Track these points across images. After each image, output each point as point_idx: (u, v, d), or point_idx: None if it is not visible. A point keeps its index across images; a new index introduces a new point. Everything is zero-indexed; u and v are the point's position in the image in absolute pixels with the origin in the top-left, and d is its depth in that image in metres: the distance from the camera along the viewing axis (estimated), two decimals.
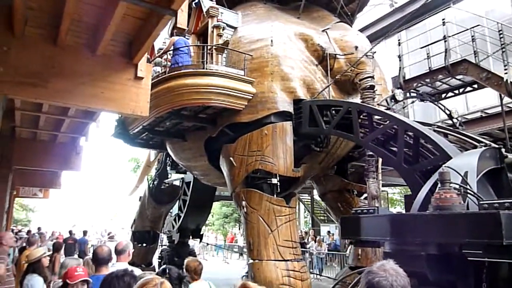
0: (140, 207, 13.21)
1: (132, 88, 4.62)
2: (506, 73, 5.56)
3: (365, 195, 8.71)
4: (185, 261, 4.51)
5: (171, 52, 7.67)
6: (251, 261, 6.94)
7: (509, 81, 5.41)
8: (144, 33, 4.18)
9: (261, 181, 7.18)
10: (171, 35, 9.18)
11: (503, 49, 5.78)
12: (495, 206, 3.19)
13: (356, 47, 7.58)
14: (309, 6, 8.82)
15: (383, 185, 17.24)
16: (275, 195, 7.08)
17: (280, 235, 6.83)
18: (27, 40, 4.03)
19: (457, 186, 3.52)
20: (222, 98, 7.08)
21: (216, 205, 30.73)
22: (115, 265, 4.10)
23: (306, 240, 18.32)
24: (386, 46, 12.47)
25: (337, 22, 8.46)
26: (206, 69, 7.13)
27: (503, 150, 5.29)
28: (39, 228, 17.75)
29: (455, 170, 3.77)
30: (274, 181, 7.06)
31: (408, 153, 5.67)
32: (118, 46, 4.52)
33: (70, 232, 16.79)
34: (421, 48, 7.10)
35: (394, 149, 5.89)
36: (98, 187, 44.12)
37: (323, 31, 7.94)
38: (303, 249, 15.56)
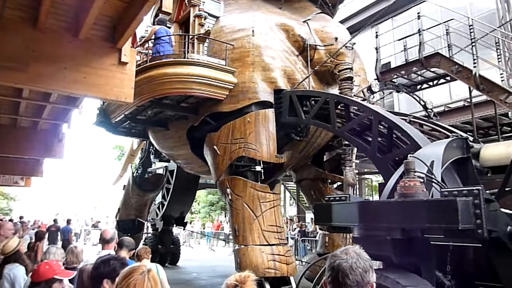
0: (124, 195, 13.20)
1: (116, 74, 4.52)
2: (475, 66, 5.79)
3: (338, 183, 8.95)
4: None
5: (152, 40, 7.67)
6: (237, 247, 7.04)
7: (477, 74, 5.65)
8: (128, 17, 4.09)
9: (245, 169, 7.28)
10: (153, 23, 9.15)
11: (473, 44, 6.01)
12: (454, 193, 3.40)
13: (336, 38, 7.71)
14: None
15: (368, 173, 17.56)
16: (259, 182, 7.18)
17: (265, 220, 6.93)
18: (5, 22, 3.90)
19: (422, 175, 3.72)
20: (204, 88, 7.15)
21: (202, 193, 30.87)
22: (101, 253, 4.02)
23: (290, 227, 18.55)
24: (373, 34, 12.56)
25: (318, 13, 8.56)
26: (188, 58, 7.17)
27: (470, 139, 5.54)
28: (21, 217, 17.60)
29: (421, 160, 3.97)
30: (258, 168, 7.17)
31: (383, 143, 5.88)
32: (101, 30, 4.41)
33: (55, 220, 16.73)
34: (399, 40, 7.28)
35: (370, 139, 6.08)
36: (81, 175, 43.60)
37: (304, 22, 8.05)
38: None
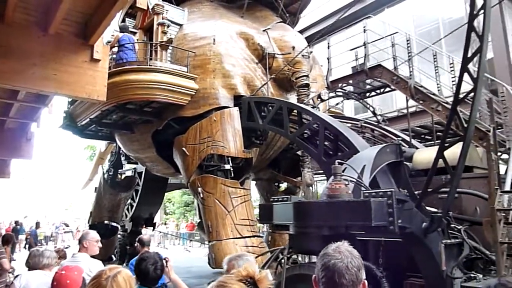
0: (96, 197, 13.11)
1: (88, 71, 4.38)
2: (410, 78, 6.38)
3: (286, 185, 9.37)
4: None
5: (116, 47, 7.91)
6: (211, 243, 7.21)
7: (412, 86, 6.23)
8: (100, 13, 4.01)
9: (215, 168, 7.51)
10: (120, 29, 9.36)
11: (409, 57, 6.60)
12: (372, 195, 3.87)
13: (293, 47, 8.14)
14: (253, 5, 9.27)
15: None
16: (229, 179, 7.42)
17: (237, 214, 7.13)
18: None
19: (349, 178, 4.18)
20: (166, 94, 7.45)
21: (177, 194, 30.88)
22: (76, 256, 4.06)
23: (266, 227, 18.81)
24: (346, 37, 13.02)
25: (278, 22, 8.99)
26: (150, 65, 7.46)
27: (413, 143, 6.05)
28: None
29: (350, 166, 4.44)
30: (227, 166, 7.46)
31: (330, 147, 6.36)
32: (72, 25, 4.28)
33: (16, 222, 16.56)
34: (351, 50, 7.80)
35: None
36: (51, 176, 42.42)
37: (264, 31, 8.46)
38: None
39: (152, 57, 7.81)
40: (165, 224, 28.50)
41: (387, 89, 7.40)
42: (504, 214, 3.74)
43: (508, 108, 5.96)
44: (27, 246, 16.66)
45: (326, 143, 6.30)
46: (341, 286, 1.46)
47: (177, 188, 17.79)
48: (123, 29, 8.07)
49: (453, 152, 4.86)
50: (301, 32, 15.30)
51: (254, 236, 7.21)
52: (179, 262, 15.52)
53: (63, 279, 2.58)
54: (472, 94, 4.44)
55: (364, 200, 3.62)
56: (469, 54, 4.48)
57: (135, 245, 5.70)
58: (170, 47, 8.08)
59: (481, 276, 4.37)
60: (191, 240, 22.76)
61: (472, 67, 4.26)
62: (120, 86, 7.32)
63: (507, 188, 4.22)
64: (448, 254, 4.50)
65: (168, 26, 8.10)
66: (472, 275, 4.44)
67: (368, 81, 7.49)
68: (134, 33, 9.00)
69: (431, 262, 4.41)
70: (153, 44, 7.97)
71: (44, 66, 4.13)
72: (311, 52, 8.38)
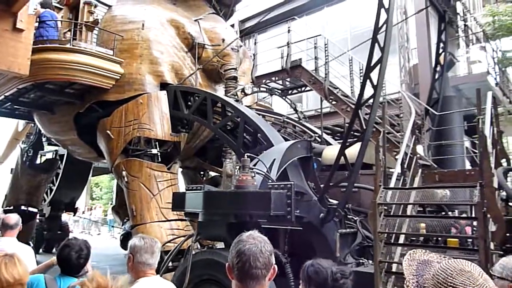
0: (12, 179, 12.28)
1: (9, 41, 4.02)
2: (325, 80, 6.89)
3: (212, 175, 9.60)
4: None
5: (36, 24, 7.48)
6: (135, 227, 7.07)
7: (326, 87, 6.74)
8: None
9: (141, 153, 7.40)
10: (42, 4, 8.85)
11: (326, 61, 7.12)
12: (275, 187, 4.22)
13: (223, 40, 8.30)
14: None
15: None
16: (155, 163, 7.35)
17: (162, 198, 7.05)
18: None
19: (257, 170, 4.49)
20: (88, 76, 7.23)
21: (104, 178, 29.76)
22: (1, 240, 3.90)
23: None
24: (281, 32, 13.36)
25: (210, 13, 9.07)
26: (73, 45, 7.19)
27: (327, 139, 6.53)
28: None
29: (260, 160, 4.75)
30: (154, 151, 7.38)
31: (250, 140, 6.67)
32: None
33: None
34: (278, 48, 8.15)
35: None
36: None
37: (195, 20, 8.50)
38: None
39: (76, 37, 7.51)
40: (91, 209, 27.36)
41: (307, 88, 7.87)
42: (386, 208, 4.27)
43: (405, 113, 6.70)
44: None
45: (247, 136, 6.60)
46: (255, 268, 1.56)
47: (104, 172, 17.18)
48: (45, 5, 7.65)
49: (356, 150, 5.39)
50: (242, 22, 15.48)
51: (180, 220, 7.17)
52: (105, 249, 15.02)
53: None
54: (372, 99, 4.96)
55: (265, 192, 3.95)
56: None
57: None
58: (96, 28, 7.83)
59: (370, 262, 4.96)
60: (113, 227, 22.15)
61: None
62: (39, 65, 6.93)
63: (392, 185, 4.80)
64: (343, 242, 5.03)
65: (95, 6, 7.83)
66: (361, 261, 5.02)
67: (288, 80, 7.88)
68: (60, 9, 8.56)
69: (327, 249, 4.89)
70: (78, 24, 7.66)
71: None
72: (241, 46, 8.60)
